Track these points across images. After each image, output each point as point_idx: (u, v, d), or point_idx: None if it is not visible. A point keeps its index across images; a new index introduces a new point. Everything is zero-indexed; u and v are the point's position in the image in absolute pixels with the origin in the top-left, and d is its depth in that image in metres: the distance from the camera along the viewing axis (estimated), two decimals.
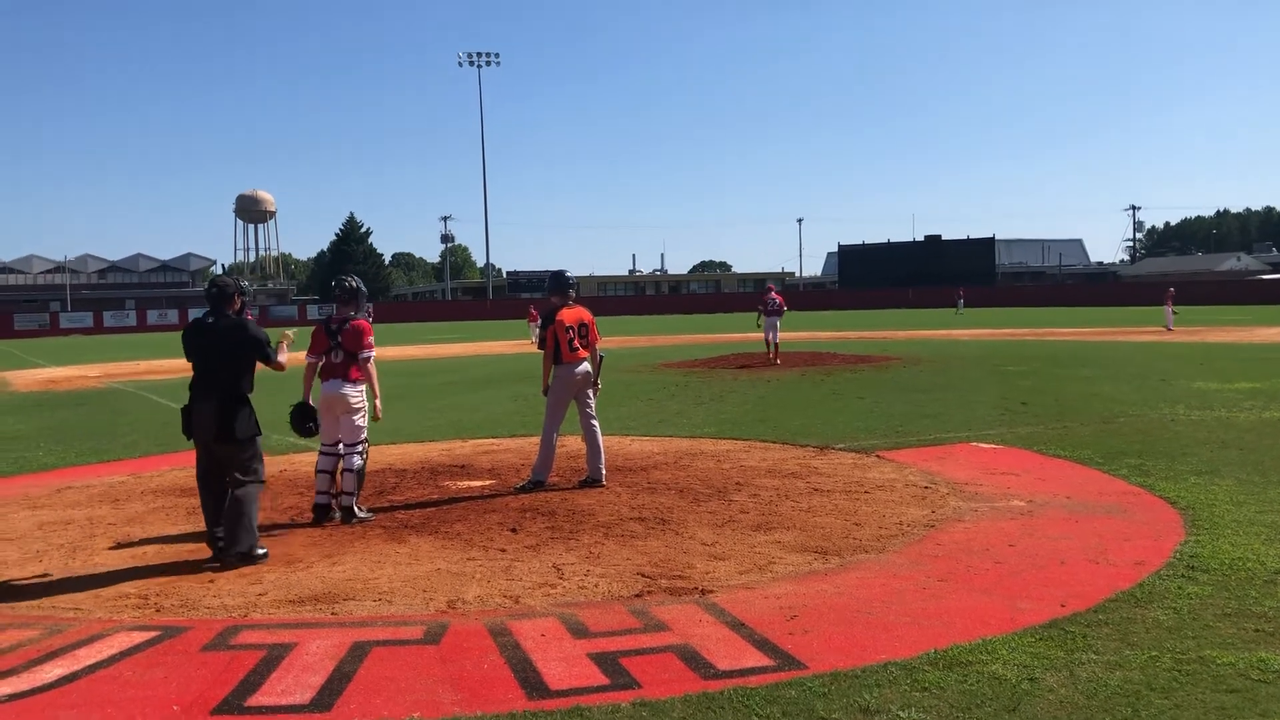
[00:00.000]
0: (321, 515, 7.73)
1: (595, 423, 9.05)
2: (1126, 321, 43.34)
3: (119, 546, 7.18)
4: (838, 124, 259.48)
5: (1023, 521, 7.11)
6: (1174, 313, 36.34)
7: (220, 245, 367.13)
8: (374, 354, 7.90)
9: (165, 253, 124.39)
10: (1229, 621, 4.90)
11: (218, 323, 6.86)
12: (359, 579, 6.12)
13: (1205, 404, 13.61)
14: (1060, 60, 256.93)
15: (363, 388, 7.85)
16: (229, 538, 6.58)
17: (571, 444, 10.25)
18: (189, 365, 6.93)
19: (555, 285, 9.20)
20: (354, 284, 8.10)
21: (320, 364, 7.86)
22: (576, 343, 8.93)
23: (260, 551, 6.66)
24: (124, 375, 27.23)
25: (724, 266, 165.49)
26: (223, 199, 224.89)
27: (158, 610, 5.62)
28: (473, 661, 4.65)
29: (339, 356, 7.79)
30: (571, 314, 8.97)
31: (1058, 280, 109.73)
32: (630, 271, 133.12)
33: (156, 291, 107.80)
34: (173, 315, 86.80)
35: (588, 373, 9.05)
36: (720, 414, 14.01)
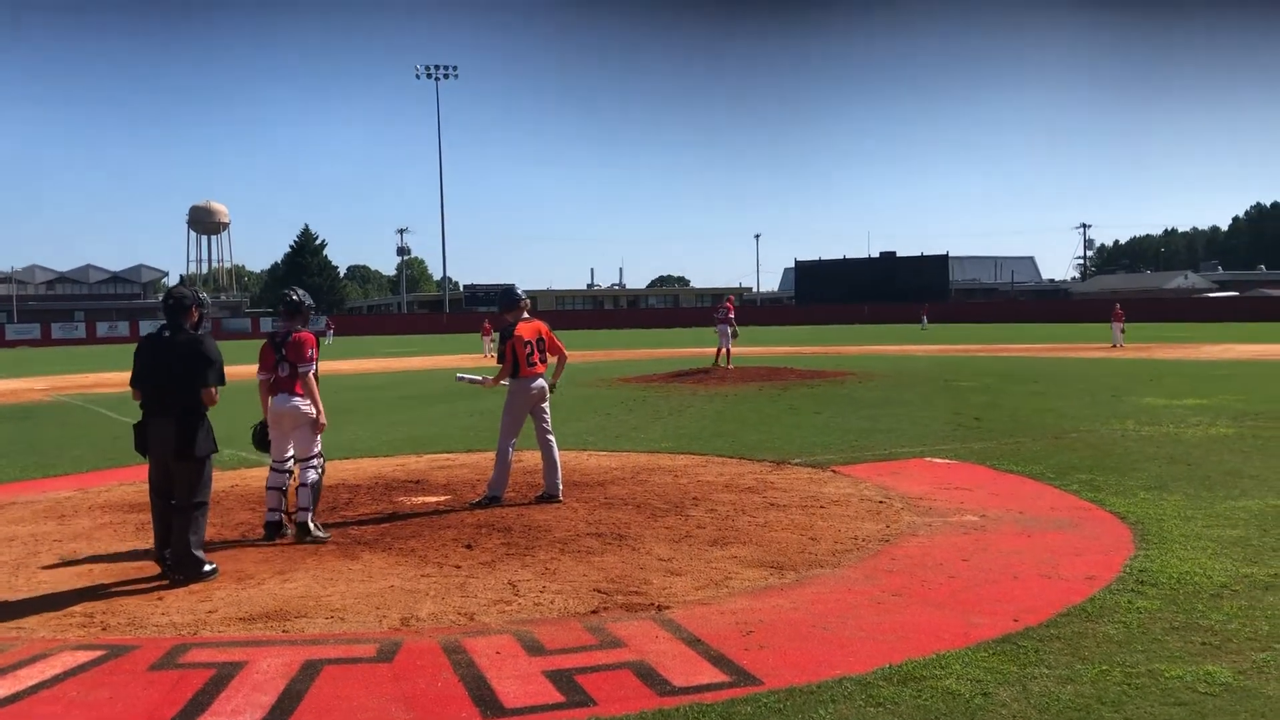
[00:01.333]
0: (273, 532, 7.62)
1: (552, 438, 9.01)
2: (1077, 338, 43.96)
3: (64, 564, 7.04)
4: (794, 140, 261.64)
5: (976, 536, 7.18)
6: (1122, 330, 36.85)
7: (173, 257, 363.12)
8: (315, 367, 7.76)
9: (116, 264, 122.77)
10: (1177, 635, 4.97)
11: (175, 337, 6.65)
12: (311, 596, 6.05)
13: (1154, 420, 13.83)
14: (1013, 81, 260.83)
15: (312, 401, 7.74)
16: (176, 559, 6.47)
17: (528, 459, 10.20)
18: (129, 380, 6.77)
19: (506, 302, 9.13)
20: (297, 297, 7.99)
21: (271, 379, 7.77)
22: (535, 356, 8.90)
23: (209, 568, 6.54)
24: (72, 388, 26.77)
25: (682, 281, 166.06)
26: (175, 209, 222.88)
27: (104, 629, 5.52)
28: (426, 680, 4.60)
29: (285, 370, 7.68)
30: (529, 328, 8.94)
31: (1010, 297, 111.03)
32: (589, 286, 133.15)
33: (107, 303, 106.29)
34: (123, 327, 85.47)
35: (544, 387, 9.01)
36: (678, 429, 14.03)
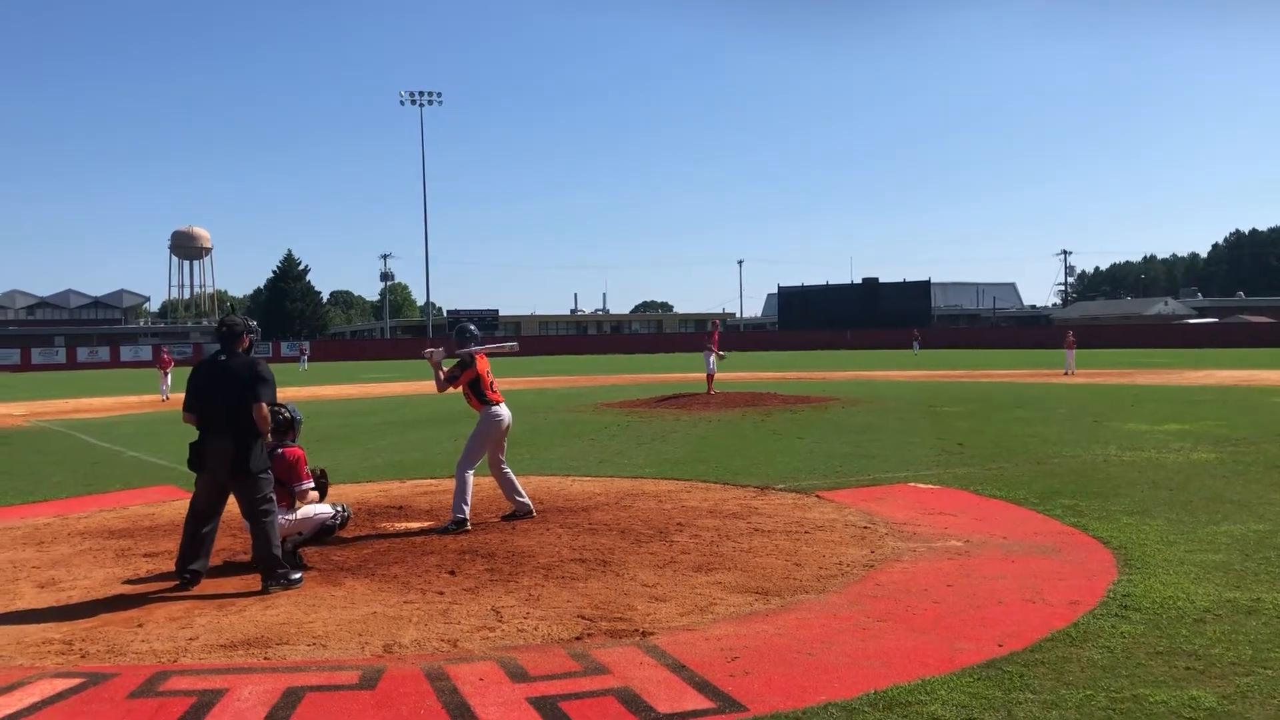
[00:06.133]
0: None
1: (508, 469, 9.19)
2: (1058, 363, 44.08)
3: (43, 590, 6.98)
4: (777, 167, 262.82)
5: (960, 562, 7.18)
6: (1073, 356, 37.07)
7: (155, 282, 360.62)
8: (311, 485, 7.83)
9: (97, 289, 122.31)
10: (1161, 660, 4.98)
11: (230, 360, 7.03)
12: (293, 622, 6.00)
13: (1136, 445, 13.90)
14: (994, 108, 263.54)
15: (292, 515, 7.64)
16: (265, 570, 6.78)
17: (487, 483, 10.11)
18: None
19: (461, 338, 9.20)
20: (287, 413, 7.93)
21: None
22: (496, 385, 9.18)
23: (296, 577, 6.83)
24: (51, 414, 26.58)
25: (665, 307, 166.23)
26: (157, 234, 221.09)
27: (83, 656, 5.46)
28: (409, 707, 4.57)
29: None
30: (485, 362, 9.18)
31: (992, 323, 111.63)
32: (572, 311, 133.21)
33: (87, 329, 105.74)
34: (104, 352, 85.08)
35: (511, 418, 9.21)
36: (661, 454, 14.02)
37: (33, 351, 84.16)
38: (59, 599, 6.73)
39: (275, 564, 6.81)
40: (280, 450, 7.64)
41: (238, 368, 7.00)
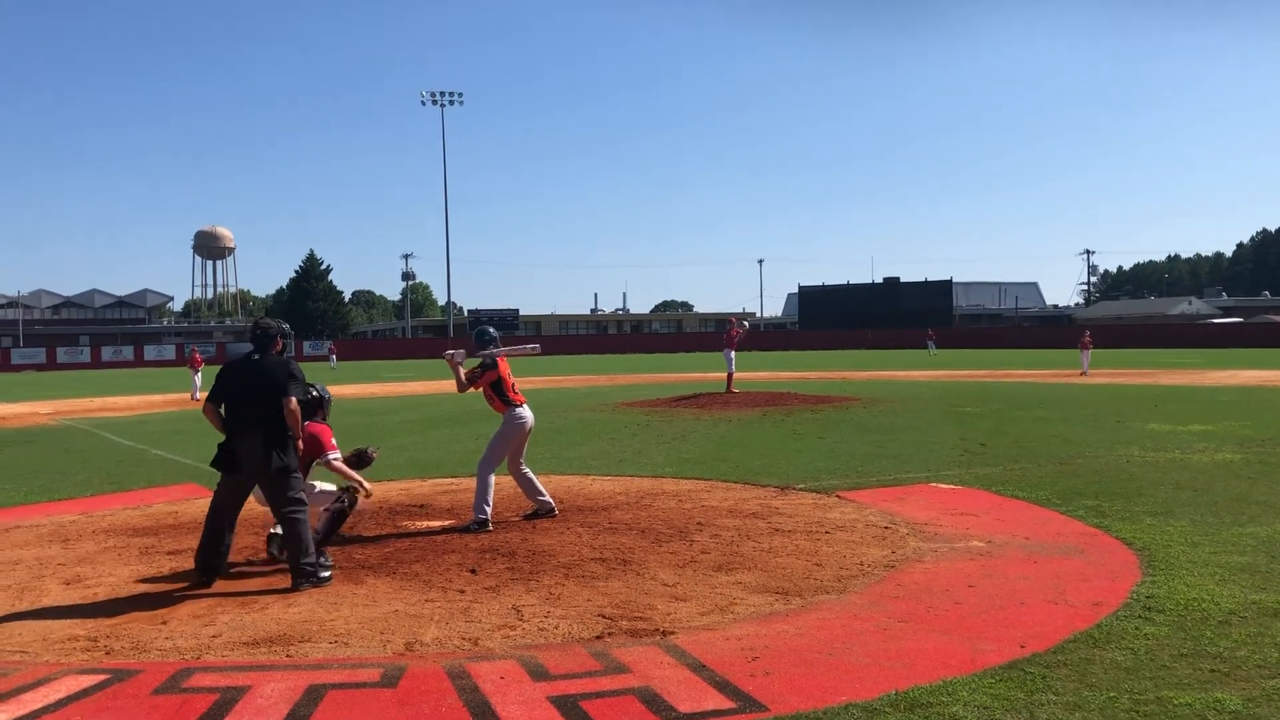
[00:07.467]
0: (273, 543, 7.62)
1: (528, 470, 9.20)
2: (1079, 364, 43.84)
3: (68, 587, 7.04)
4: (797, 166, 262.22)
5: (982, 562, 7.15)
6: (1088, 356, 36.78)
7: (178, 281, 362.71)
8: (338, 454, 7.92)
9: (121, 288, 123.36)
10: (1185, 662, 4.94)
11: (264, 359, 7.15)
12: (315, 620, 6.03)
13: (1159, 446, 13.79)
14: (1015, 106, 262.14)
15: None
16: (295, 568, 6.85)
17: (506, 482, 10.11)
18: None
19: (481, 340, 9.20)
20: (317, 392, 8.08)
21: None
22: (517, 387, 9.16)
23: (325, 574, 6.91)
24: (77, 412, 26.81)
25: (685, 306, 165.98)
26: (181, 234, 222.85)
27: (108, 653, 5.51)
28: (430, 704, 4.58)
29: None
30: (505, 364, 9.17)
31: (1014, 322, 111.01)
32: (592, 310, 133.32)
33: (111, 328, 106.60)
34: (128, 352, 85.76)
35: (533, 420, 9.18)
36: (681, 453, 14.01)
37: (58, 350, 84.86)
38: (84, 596, 6.79)
39: (306, 562, 6.87)
40: (306, 428, 7.72)
41: (272, 367, 7.12)
